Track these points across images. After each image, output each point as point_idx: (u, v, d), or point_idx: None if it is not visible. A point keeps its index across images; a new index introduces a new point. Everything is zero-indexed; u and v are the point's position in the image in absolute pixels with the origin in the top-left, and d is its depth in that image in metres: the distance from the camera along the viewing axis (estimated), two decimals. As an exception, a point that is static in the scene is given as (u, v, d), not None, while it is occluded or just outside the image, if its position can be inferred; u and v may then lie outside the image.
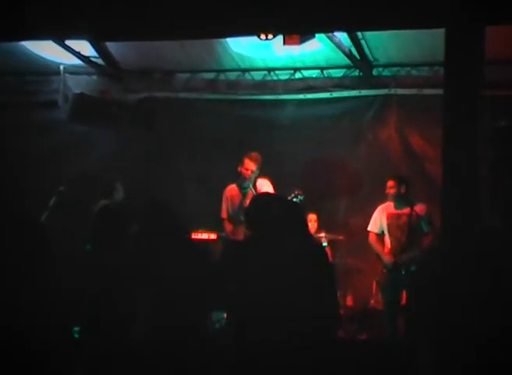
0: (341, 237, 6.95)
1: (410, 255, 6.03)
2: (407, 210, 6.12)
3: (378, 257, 6.30)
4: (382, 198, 6.41)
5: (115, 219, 4.09)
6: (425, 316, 3.99)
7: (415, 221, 6.04)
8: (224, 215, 6.29)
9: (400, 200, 6.18)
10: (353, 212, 6.98)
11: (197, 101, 7.41)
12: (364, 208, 6.73)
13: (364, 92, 7.12)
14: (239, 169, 6.13)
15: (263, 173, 6.25)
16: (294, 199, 5.65)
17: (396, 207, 6.23)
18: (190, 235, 5.33)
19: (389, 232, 6.26)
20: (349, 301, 6.90)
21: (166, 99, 7.42)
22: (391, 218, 6.24)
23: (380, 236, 6.33)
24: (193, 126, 7.36)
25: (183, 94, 7.40)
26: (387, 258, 6.17)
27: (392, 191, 6.17)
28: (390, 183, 6.19)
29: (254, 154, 6.13)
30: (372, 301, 6.71)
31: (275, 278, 3.23)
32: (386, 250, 6.25)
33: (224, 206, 6.28)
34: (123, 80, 7.28)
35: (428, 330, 3.95)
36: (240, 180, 6.19)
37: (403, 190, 6.16)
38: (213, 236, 6.67)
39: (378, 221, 6.33)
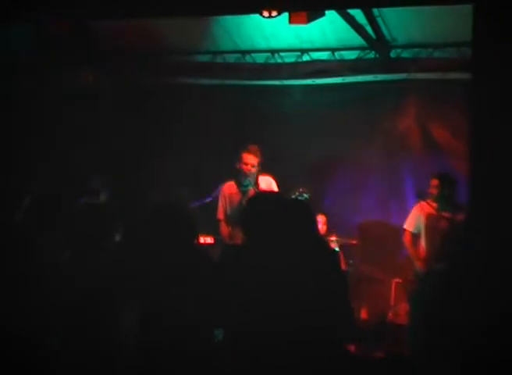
0: (354, 242, 6.95)
1: (444, 264, 5.99)
2: (449, 214, 6.11)
3: (411, 260, 6.30)
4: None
5: (100, 221, 4.10)
6: (445, 332, 4.09)
7: (457, 228, 6.02)
8: (220, 215, 6.26)
9: (444, 202, 6.15)
10: (368, 213, 7.00)
11: (190, 86, 7.44)
12: (381, 208, 6.83)
13: (380, 77, 7.12)
14: (238, 165, 6.10)
15: (265, 169, 6.23)
16: (299, 198, 5.69)
17: (438, 208, 6.20)
18: (198, 240, 5.30)
19: (425, 234, 6.25)
20: (363, 314, 6.92)
21: (154, 84, 7.42)
22: (431, 219, 6.23)
23: (416, 237, 6.30)
24: (185, 116, 7.39)
25: (173, 79, 7.43)
26: (419, 265, 6.15)
27: (435, 191, 6.15)
28: (434, 181, 6.16)
29: (252, 147, 6.09)
30: (390, 314, 6.75)
31: (280, 288, 3.25)
32: (420, 254, 6.25)
33: (220, 206, 6.25)
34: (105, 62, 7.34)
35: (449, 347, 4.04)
36: (239, 176, 6.15)
37: (448, 191, 6.13)
38: (209, 240, 6.68)
39: (416, 219, 6.30)
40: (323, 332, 3.25)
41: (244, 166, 6.06)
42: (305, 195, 5.78)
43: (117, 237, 4.33)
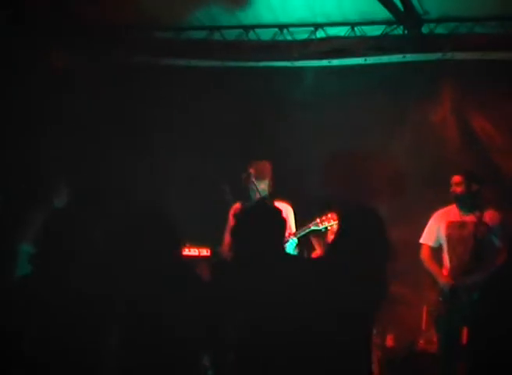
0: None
1: (475, 277, 5.97)
2: (473, 217, 6.15)
3: (433, 279, 6.31)
4: (434, 204, 6.40)
5: (71, 230, 4.05)
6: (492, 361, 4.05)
7: (484, 233, 6.05)
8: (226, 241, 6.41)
9: (468, 203, 6.19)
10: (394, 222, 6.54)
11: (183, 69, 7.45)
12: (409, 216, 6.73)
13: (409, 57, 7.08)
14: (243, 179, 6.24)
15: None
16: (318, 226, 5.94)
17: (461, 212, 6.24)
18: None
19: (448, 246, 6.27)
20: (389, 341, 6.94)
21: (140, 66, 7.43)
22: (452, 227, 6.26)
23: (436, 251, 6.34)
24: (176, 103, 7.39)
25: (163, 60, 7.44)
26: (444, 282, 6.16)
27: (459, 190, 6.18)
28: (456, 178, 6.19)
29: (260, 166, 6.26)
30: (421, 341, 6.73)
31: (285, 311, 3.47)
32: (444, 270, 6.26)
33: (228, 228, 6.38)
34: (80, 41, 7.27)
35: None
36: (247, 199, 6.26)
37: (474, 188, 6.17)
38: (205, 252, 6.74)
39: (434, 231, 6.34)
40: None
41: (251, 187, 6.21)
42: (333, 222, 5.96)
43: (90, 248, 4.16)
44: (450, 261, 6.23)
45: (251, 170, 6.17)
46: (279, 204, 6.11)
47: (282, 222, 3.92)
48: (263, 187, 6.20)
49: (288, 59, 7.35)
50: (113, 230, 4.04)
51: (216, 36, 7.41)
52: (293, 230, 6.28)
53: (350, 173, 7.07)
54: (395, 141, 7.12)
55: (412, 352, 6.70)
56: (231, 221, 6.30)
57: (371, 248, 3.81)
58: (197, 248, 6.70)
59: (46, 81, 6.97)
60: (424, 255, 6.36)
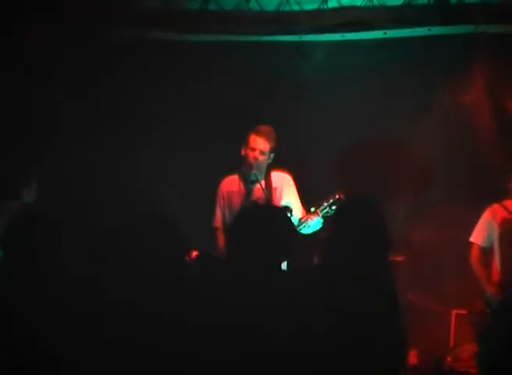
0: (400, 259, 6.90)
1: None
2: None
3: (480, 285, 6.33)
4: (465, 200, 6.55)
5: (43, 232, 4.07)
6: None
7: None
8: (217, 222, 6.38)
9: None
10: (420, 222, 6.96)
11: (174, 45, 7.39)
12: (434, 215, 6.78)
13: (436, 30, 6.98)
14: (242, 151, 6.21)
15: (279, 159, 6.31)
16: (334, 206, 5.90)
17: None
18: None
19: (500, 247, 6.30)
20: (412, 359, 6.97)
21: (123, 42, 7.38)
22: (507, 225, 6.29)
23: (487, 252, 6.35)
24: (165, 84, 7.39)
25: (151, 34, 7.35)
26: (492, 291, 6.18)
27: None
28: None
29: (264, 127, 6.22)
30: (449, 359, 6.77)
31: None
32: (494, 275, 6.30)
33: (218, 209, 6.38)
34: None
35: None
36: (243, 168, 6.25)
37: None
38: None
39: (486, 228, 6.36)
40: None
41: (250, 153, 6.16)
42: (331, 210, 5.98)
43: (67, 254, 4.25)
44: (501, 265, 6.30)
45: (251, 134, 6.18)
46: (277, 173, 6.30)
47: (287, 227, 3.92)
48: (263, 148, 6.19)
49: (295, 33, 7.25)
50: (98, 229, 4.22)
51: (212, 5, 7.24)
52: (297, 200, 6.31)
53: (365, 164, 7.16)
54: (419, 127, 7.16)
55: (438, 371, 6.76)
56: (222, 201, 6.35)
57: (369, 245, 3.83)
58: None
59: (13, 63, 7.02)
60: (474, 255, 6.36)
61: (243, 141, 6.22)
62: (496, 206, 6.30)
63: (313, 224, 6.08)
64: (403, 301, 5.97)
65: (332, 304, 3.64)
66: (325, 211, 6.07)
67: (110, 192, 7.12)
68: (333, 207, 5.97)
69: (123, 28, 7.36)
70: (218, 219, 6.37)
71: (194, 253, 6.40)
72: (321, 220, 6.08)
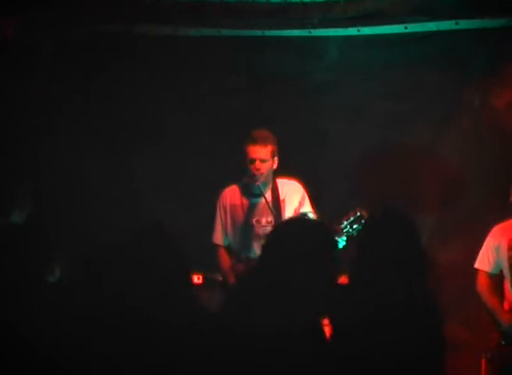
0: (427, 283, 6.60)
1: None
2: None
3: (492, 316, 6.14)
4: (498, 215, 6.22)
5: (28, 250, 4.05)
6: None
7: None
8: (217, 238, 6.34)
9: None
10: (445, 239, 6.83)
11: (169, 39, 7.29)
12: (464, 232, 6.67)
13: (463, 24, 6.78)
14: (243, 163, 6.17)
15: (286, 166, 6.26)
16: (355, 225, 5.77)
17: None
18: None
19: (511, 271, 6.12)
20: None
21: (117, 37, 7.30)
22: None
23: (496, 279, 6.18)
24: (159, 82, 7.30)
25: (144, 28, 7.24)
26: (506, 320, 5.99)
27: None
28: None
29: (259, 133, 6.15)
30: None
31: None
32: (506, 304, 6.14)
33: (217, 223, 6.35)
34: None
35: None
36: (246, 179, 6.20)
37: None
38: (196, 279, 6.60)
39: (492, 253, 6.18)
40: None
41: (251, 165, 6.09)
42: (364, 222, 5.69)
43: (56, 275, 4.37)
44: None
45: (249, 143, 6.08)
46: (284, 181, 6.26)
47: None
48: (262, 156, 6.08)
49: (305, 27, 7.07)
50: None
51: None
52: (310, 210, 6.25)
53: (385, 174, 7.02)
54: (445, 132, 7.07)
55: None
56: (223, 214, 6.32)
57: (402, 266, 3.76)
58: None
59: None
60: (481, 284, 6.21)
61: (242, 152, 6.15)
62: (501, 226, 6.14)
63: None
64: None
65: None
66: (346, 230, 5.91)
67: (107, 205, 7.02)
68: (354, 226, 5.81)
69: (113, 22, 7.26)
70: (218, 236, 6.32)
71: (196, 276, 6.55)
72: (345, 239, 5.98)
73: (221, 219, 6.27)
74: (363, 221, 5.77)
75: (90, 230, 6.60)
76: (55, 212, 6.60)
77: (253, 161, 6.01)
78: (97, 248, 4.10)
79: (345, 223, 5.88)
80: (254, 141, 6.02)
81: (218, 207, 6.29)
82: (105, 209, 6.94)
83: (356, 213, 5.88)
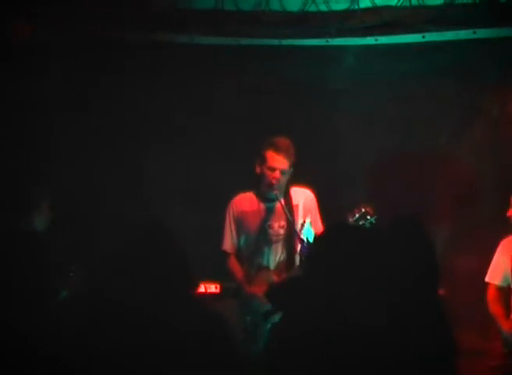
0: (440, 291, 6.53)
1: None
2: None
3: (497, 326, 6.26)
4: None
5: (40, 261, 4.15)
6: None
7: None
8: (227, 245, 6.30)
9: None
10: (463, 249, 6.88)
11: (184, 47, 7.27)
12: (481, 241, 6.64)
13: (482, 33, 6.78)
14: (257, 168, 6.14)
15: (299, 174, 6.25)
16: (361, 222, 5.75)
17: None
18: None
19: None
20: None
21: (127, 43, 7.28)
22: None
23: (505, 291, 6.28)
24: (173, 92, 7.30)
25: (158, 36, 7.25)
26: (507, 328, 6.13)
27: None
28: None
29: (282, 141, 6.10)
30: None
31: None
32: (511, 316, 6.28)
33: (227, 230, 6.31)
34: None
35: None
36: (262, 187, 6.16)
37: None
38: (214, 288, 6.70)
39: (500, 266, 6.30)
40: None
41: (269, 172, 6.07)
42: (370, 218, 5.75)
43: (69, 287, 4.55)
44: None
45: (269, 150, 6.06)
46: (297, 189, 6.22)
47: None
48: (284, 167, 6.07)
49: (322, 36, 7.10)
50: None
51: (228, 4, 7.10)
52: (317, 218, 6.26)
53: (402, 180, 7.03)
54: (462, 140, 7.12)
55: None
56: (233, 221, 6.28)
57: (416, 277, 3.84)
58: (204, 283, 6.70)
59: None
60: (490, 295, 6.31)
61: (258, 157, 6.12)
62: (507, 240, 6.23)
63: None
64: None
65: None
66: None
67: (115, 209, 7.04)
68: (361, 222, 5.77)
69: (130, 29, 7.25)
70: (227, 243, 6.25)
71: (214, 285, 6.66)
72: None
73: (230, 226, 6.25)
74: (368, 217, 5.77)
75: (99, 235, 6.61)
76: (67, 217, 6.56)
77: (273, 169, 6.00)
78: (104, 253, 4.15)
79: (350, 220, 5.85)
80: (277, 150, 6.01)
81: (227, 214, 6.27)
82: (116, 214, 6.94)
83: (361, 210, 5.83)
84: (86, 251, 5.98)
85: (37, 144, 7.12)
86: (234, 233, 6.26)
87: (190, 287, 3.97)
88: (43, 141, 7.15)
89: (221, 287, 6.64)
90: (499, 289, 6.24)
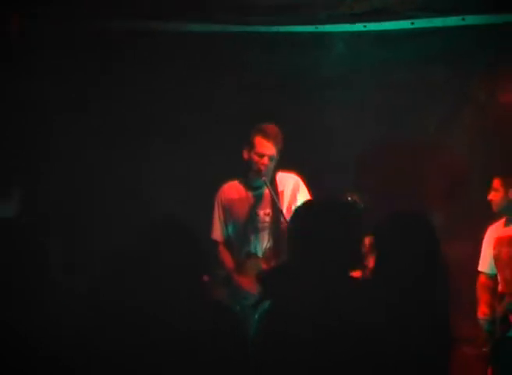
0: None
1: None
2: None
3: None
4: None
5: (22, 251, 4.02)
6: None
7: None
8: (216, 233, 6.28)
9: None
10: (453, 236, 6.63)
11: (171, 35, 7.30)
12: (473, 228, 6.64)
13: (470, 19, 6.79)
14: (245, 154, 6.12)
15: (286, 161, 6.23)
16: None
17: (506, 225, 6.37)
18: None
19: (497, 269, 6.27)
20: None
21: (115, 32, 7.26)
22: (500, 244, 6.26)
23: (494, 279, 6.34)
24: (162, 80, 7.27)
25: (145, 24, 7.26)
26: (480, 312, 6.27)
27: (497, 198, 6.30)
28: (496, 183, 6.29)
29: (270, 127, 6.09)
30: None
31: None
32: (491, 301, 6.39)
33: (216, 219, 6.30)
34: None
35: None
36: (248, 173, 6.13)
37: None
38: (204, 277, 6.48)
39: (486, 253, 6.41)
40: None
41: (257, 158, 6.04)
42: (357, 206, 5.76)
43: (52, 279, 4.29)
44: (501, 289, 6.26)
45: (257, 136, 6.03)
46: (283, 175, 6.19)
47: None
48: (273, 153, 6.05)
49: (311, 23, 7.12)
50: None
51: None
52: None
53: (393, 169, 7.02)
54: (452, 128, 7.09)
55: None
56: (222, 209, 6.25)
57: (419, 270, 3.71)
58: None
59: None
60: (478, 284, 6.44)
61: (246, 142, 6.10)
62: (492, 227, 6.36)
63: None
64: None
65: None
66: None
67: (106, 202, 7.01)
68: None
69: (117, 16, 7.23)
70: (216, 232, 6.22)
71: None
72: None
73: (219, 215, 6.24)
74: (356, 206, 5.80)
75: (99, 235, 6.59)
76: (59, 213, 6.66)
77: (261, 155, 5.99)
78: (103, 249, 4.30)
79: None
80: (266, 136, 6.00)
81: (216, 203, 6.27)
82: (115, 213, 6.94)
83: (347, 199, 5.83)
84: (85, 251, 5.98)
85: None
86: (222, 221, 6.26)
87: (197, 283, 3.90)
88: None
89: (209, 276, 6.55)
90: (489, 277, 6.31)
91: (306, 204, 4.01)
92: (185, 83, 7.29)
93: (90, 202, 7.01)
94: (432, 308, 3.75)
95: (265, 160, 5.97)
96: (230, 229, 6.21)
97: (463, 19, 6.77)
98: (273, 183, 6.11)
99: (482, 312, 6.25)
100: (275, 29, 7.18)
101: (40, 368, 3.71)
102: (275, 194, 6.08)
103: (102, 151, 7.17)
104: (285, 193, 6.14)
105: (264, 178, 5.98)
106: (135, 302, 3.73)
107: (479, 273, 6.37)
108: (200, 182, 6.93)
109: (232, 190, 6.24)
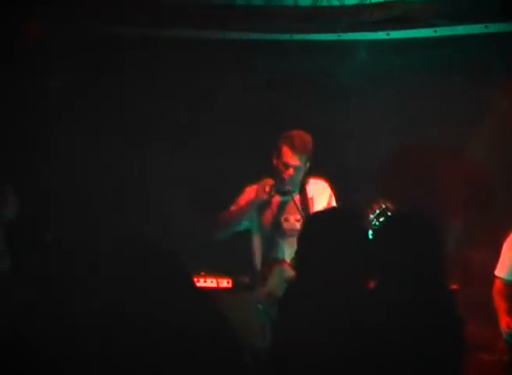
0: (454, 286, 6.52)
1: None
2: None
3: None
4: None
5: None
6: None
7: None
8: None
9: None
10: (473, 243, 6.87)
11: (190, 43, 7.30)
12: (494, 236, 6.49)
13: (493, 27, 6.79)
14: (274, 160, 6.15)
15: (314, 167, 6.25)
16: (381, 218, 5.64)
17: None
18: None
19: None
20: None
21: (132, 39, 7.30)
22: None
23: (508, 285, 6.27)
24: (179, 88, 7.28)
25: (163, 31, 7.28)
26: (503, 323, 6.12)
27: None
28: None
29: (298, 136, 6.11)
30: None
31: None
32: None
33: (238, 211, 6.36)
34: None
35: None
36: (276, 180, 6.16)
37: None
38: (226, 282, 6.62)
39: (507, 260, 6.30)
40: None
41: (283, 168, 6.08)
42: (390, 214, 5.69)
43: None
44: None
45: (284, 145, 6.05)
46: (314, 181, 6.24)
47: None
48: (298, 164, 6.07)
49: (333, 31, 7.15)
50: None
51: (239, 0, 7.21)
52: None
53: (413, 176, 7.02)
54: (474, 136, 7.05)
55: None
56: (246, 200, 6.26)
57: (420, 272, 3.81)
58: (215, 278, 6.64)
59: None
60: (495, 289, 6.34)
61: (274, 149, 6.10)
62: None
63: None
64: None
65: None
66: (373, 223, 5.90)
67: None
68: (381, 219, 5.70)
69: (137, 24, 7.29)
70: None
71: (226, 280, 6.61)
72: (371, 233, 5.91)
73: (240, 208, 6.25)
74: (389, 213, 5.69)
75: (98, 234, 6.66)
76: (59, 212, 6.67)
77: (287, 166, 6.00)
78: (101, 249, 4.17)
79: (371, 216, 5.78)
80: (293, 147, 5.99)
81: (241, 199, 6.30)
82: (115, 213, 6.93)
83: (381, 206, 5.77)
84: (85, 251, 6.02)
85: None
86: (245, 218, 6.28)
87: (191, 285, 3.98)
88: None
89: (233, 282, 6.54)
90: (506, 283, 6.25)
91: (322, 213, 4.14)
92: (209, 91, 7.26)
93: (90, 202, 6.99)
94: (446, 315, 3.80)
95: (291, 171, 5.99)
96: (257, 232, 6.21)
97: (486, 27, 6.77)
98: (303, 189, 6.16)
99: (505, 322, 6.13)
100: (298, 37, 7.19)
101: (41, 368, 3.72)
102: (305, 200, 6.10)
103: (108, 152, 7.10)
104: (315, 200, 6.13)
105: (288, 187, 5.99)
106: (135, 302, 3.73)
107: (496, 277, 6.28)
108: (207, 183, 7.02)
109: (259, 193, 6.21)
